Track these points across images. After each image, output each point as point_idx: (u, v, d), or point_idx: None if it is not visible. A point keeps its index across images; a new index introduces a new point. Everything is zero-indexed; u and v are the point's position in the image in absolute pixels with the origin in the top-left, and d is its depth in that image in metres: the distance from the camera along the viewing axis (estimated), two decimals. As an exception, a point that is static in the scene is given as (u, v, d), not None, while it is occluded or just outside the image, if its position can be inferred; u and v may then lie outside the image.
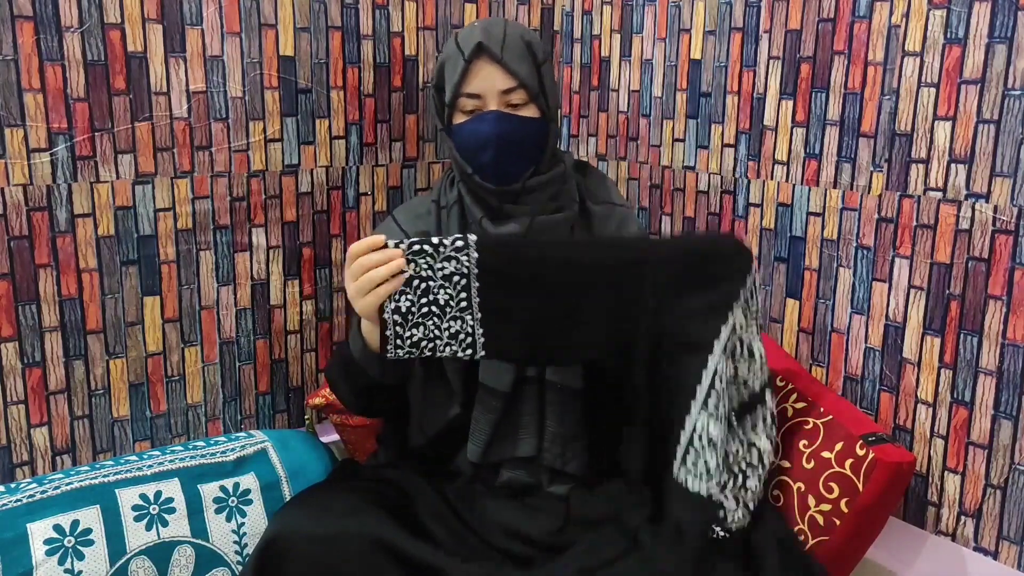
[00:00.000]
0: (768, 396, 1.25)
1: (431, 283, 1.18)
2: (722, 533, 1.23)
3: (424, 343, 1.20)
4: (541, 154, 1.37)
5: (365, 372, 1.30)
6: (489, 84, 1.31)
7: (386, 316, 1.18)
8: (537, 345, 1.24)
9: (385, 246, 1.17)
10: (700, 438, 1.20)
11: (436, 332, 1.20)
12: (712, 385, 1.19)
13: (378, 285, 1.16)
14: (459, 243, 1.18)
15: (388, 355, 1.20)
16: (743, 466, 1.28)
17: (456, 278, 1.18)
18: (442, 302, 1.19)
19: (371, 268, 1.17)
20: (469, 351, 1.21)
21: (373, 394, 1.35)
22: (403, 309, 1.18)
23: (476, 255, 1.19)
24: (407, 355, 1.20)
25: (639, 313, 1.22)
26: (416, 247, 1.17)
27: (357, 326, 1.28)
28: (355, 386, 1.35)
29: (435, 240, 1.18)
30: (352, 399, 1.39)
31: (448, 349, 1.21)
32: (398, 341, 1.19)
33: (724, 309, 1.20)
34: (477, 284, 1.19)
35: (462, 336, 1.20)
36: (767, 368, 1.24)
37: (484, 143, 1.32)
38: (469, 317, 1.20)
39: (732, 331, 1.20)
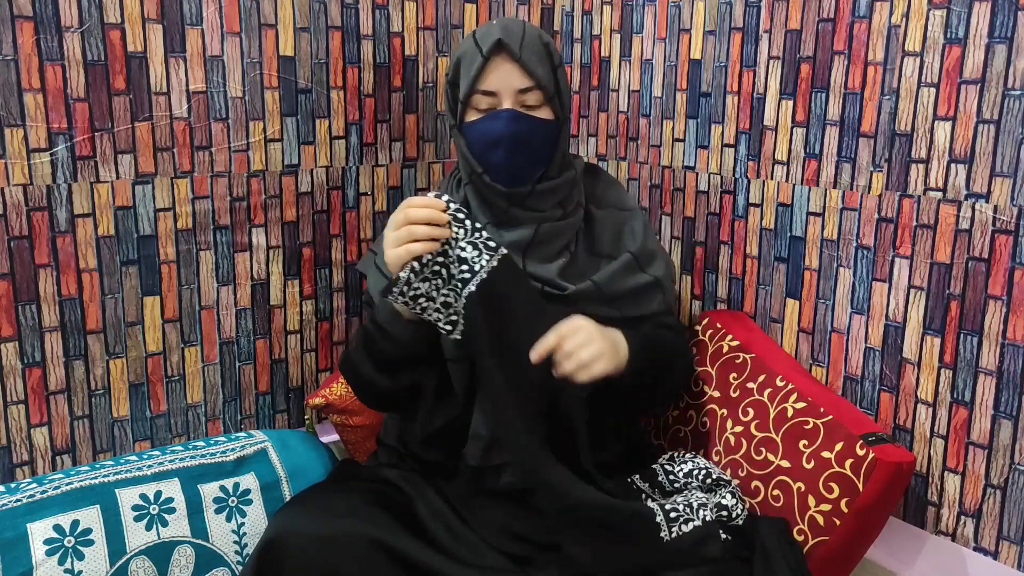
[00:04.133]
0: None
1: (449, 251, 1.21)
2: (725, 536, 1.24)
3: (422, 299, 1.21)
4: (552, 157, 1.36)
5: (391, 339, 1.28)
6: (506, 82, 1.31)
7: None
8: (502, 360, 1.26)
9: (444, 209, 1.20)
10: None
11: (434, 294, 1.22)
12: None
13: (414, 241, 1.18)
14: (491, 243, 1.22)
15: (390, 295, 1.21)
16: (710, 480, 1.34)
17: (466, 265, 1.21)
18: (446, 274, 1.22)
19: (417, 222, 1.18)
20: (449, 327, 1.23)
21: (398, 369, 1.32)
22: (423, 258, 1.20)
23: (494, 264, 1.22)
24: (403, 303, 1.22)
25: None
26: (460, 215, 1.21)
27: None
28: (379, 361, 1.32)
29: (477, 224, 1.22)
30: (375, 377, 1.34)
31: (436, 315, 1.23)
32: (404, 287, 1.20)
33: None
34: (473, 289, 1.21)
35: (451, 312, 1.23)
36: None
37: (496, 141, 1.32)
38: (461, 302, 1.22)
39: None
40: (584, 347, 1.19)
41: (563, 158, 1.40)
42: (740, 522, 1.29)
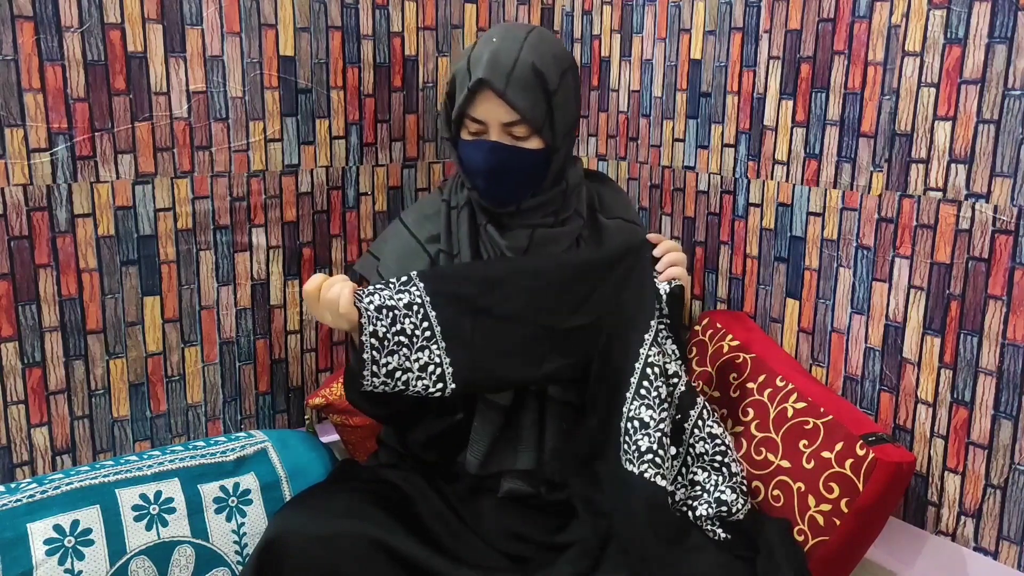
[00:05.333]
0: (695, 389, 1.33)
1: (396, 312, 1.21)
2: (723, 535, 1.24)
3: (398, 373, 1.21)
4: (541, 181, 1.35)
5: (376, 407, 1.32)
6: (492, 115, 1.29)
7: (364, 338, 1.20)
8: (503, 373, 1.27)
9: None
10: (631, 421, 1.26)
11: (407, 363, 1.22)
12: (644, 374, 1.26)
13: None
14: (404, 278, 1.24)
15: (364, 384, 1.21)
16: (720, 459, 1.32)
17: (415, 307, 1.22)
18: (408, 331, 1.21)
19: (323, 294, 1.20)
20: (440, 384, 1.23)
21: (390, 401, 1.30)
22: (380, 333, 1.20)
23: (422, 284, 1.24)
24: (382, 385, 1.22)
25: (593, 331, 1.29)
26: (368, 297, 1.21)
27: (350, 343, 1.28)
28: (372, 402, 1.31)
29: (380, 284, 1.24)
30: (373, 412, 1.36)
31: (420, 383, 1.22)
32: (375, 368, 1.20)
33: (651, 303, 1.29)
34: (434, 312, 1.22)
35: (431, 368, 1.22)
36: (685, 360, 1.34)
37: (478, 171, 1.32)
38: (435, 347, 1.22)
39: (659, 322, 1.29)
40: (674, 249, 1.33)
41: (556, 175, 1.38)
42: (741, 517, 1.28)
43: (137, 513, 1.25)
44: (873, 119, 1.40)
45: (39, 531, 1.19)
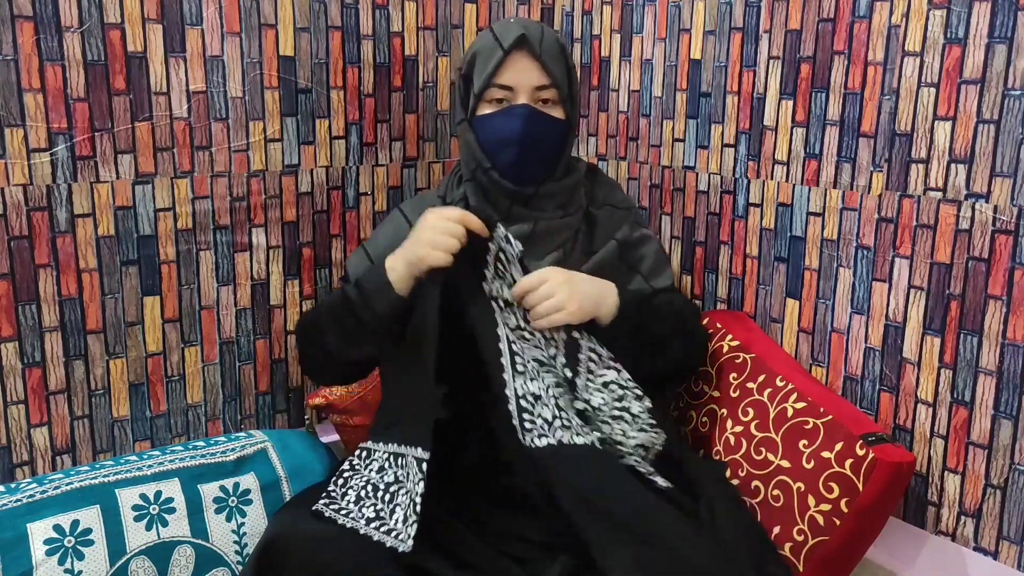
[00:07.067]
0: (576, 332, 1.29)
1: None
2: (663, 483, 1.22)
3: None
4: (558, 159, 1.37)
5: (368, 309, 1.27)
6: (524, 77, 1.32)
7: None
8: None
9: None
10: (524, 399, 1.23)
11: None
12: (510, 349, 1.24)
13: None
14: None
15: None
16: (618, 405, 1.29)
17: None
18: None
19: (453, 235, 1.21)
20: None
21: (363, 341, 1.30)
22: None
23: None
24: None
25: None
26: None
27: (382, 266, 1.27)
28: (345, 328, 1.30)
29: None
30: (336, 345, 1.33)
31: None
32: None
33: (481, 271, 1.27)
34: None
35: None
36: (555, 300, 1.27)
37: (511, 138, 1.32)
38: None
39: (494, 285, 1.28)
40: (545, 297, 1.25)
41: (568, 161, 1.41)
42: (660, 447, 1.26)
43: (137, 513, 1.25)
44: (873, 119, 1.40)
45: (39, 531, 1.19)
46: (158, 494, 1.28)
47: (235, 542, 1.31)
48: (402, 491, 1.22)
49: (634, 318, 1.32)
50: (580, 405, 1.29)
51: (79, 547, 1.20)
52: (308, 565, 1.15)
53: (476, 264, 1.27)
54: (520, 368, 1.24)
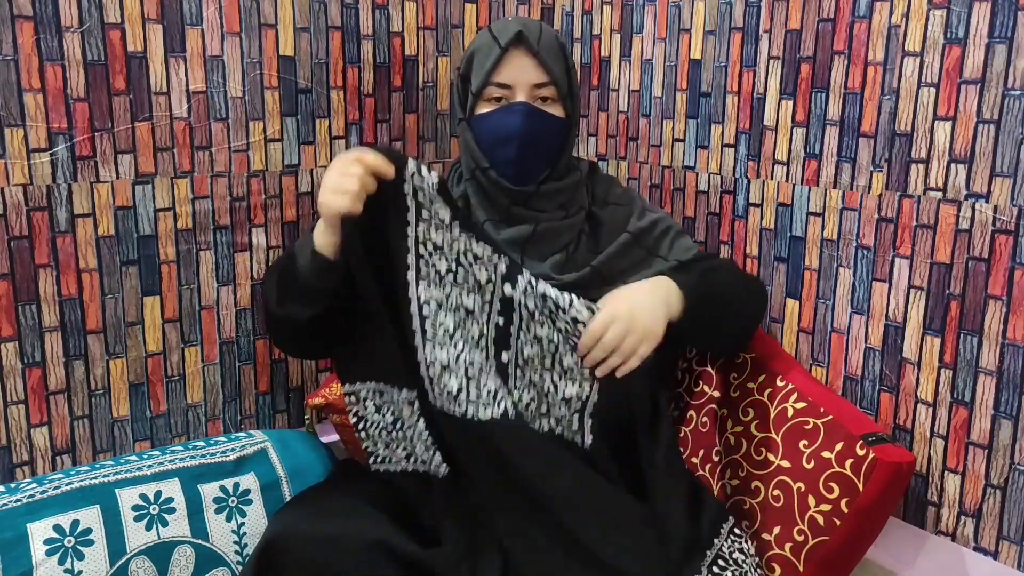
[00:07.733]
0: (503, 287, 1.24)
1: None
2: (578, 438, 1.24)
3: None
4: (559, 157, 1.36)
5: (293, 265, 1.25)
6: (522, 75, 1.32)
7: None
8: None
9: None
10: (432, 367, 1.21)
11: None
12: (420, 312, 1.22)
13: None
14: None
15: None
16: (551, 307, 1.23)
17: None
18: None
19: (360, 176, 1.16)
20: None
21: (292, 299, 1.26)
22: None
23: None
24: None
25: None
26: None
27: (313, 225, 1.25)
28: (279, 287, 1.28)
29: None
30: (271, 305, 1.31)
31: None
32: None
33: (400, 245, 1.22)
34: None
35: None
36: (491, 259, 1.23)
37: (509, 136, 1.32)
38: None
39: (416, 257, 1.22)
40: (617, 342, 1.20)
41: (569, 160, 1.40)
42: (594, 401, 1.25)
43: (137, 513, 1.25)
44: (873, 119, 1.40)
45: (39, 531, 1.19)
46: (158, 494, 1.28)
47: (235, 542, 1.31)
48: (406, 426, 1.26)
49: (701, 288, 1.29)
50: (507, 357, 1.26)
51: (79, 547, 1.20)
52: (308, 565, 1.15)
53: (398, 210, 1.21)
54: (430, 334, 1.21)
